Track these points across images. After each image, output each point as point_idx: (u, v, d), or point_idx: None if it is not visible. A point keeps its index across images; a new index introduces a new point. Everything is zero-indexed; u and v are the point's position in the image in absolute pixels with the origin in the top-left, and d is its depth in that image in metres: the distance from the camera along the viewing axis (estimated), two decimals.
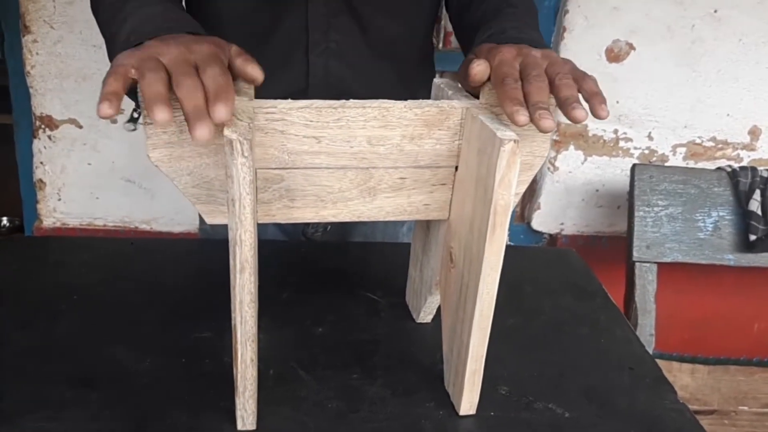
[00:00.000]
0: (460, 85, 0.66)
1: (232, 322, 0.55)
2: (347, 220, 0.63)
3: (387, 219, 0.64)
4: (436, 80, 0.67)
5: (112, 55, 0.59)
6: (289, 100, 0.57)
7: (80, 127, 1.60)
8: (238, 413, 0.59)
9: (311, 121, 0.57)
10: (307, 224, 1.00)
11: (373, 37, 0.87)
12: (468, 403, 0.63)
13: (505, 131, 0.53)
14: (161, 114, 0.47)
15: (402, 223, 1.02)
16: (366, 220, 0.63)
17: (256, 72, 0.56)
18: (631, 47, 1.55)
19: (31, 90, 1.57)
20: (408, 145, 0.60)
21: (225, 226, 0.53)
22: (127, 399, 0.63)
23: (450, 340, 0.65)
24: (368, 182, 0.62)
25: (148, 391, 0.65)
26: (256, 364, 0.58)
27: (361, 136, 0.59)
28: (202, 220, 1.09)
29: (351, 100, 0.58)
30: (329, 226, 1.00)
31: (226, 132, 0.49)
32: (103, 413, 0.61)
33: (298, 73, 0.86)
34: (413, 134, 0.60)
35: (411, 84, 0.92)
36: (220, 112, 0.48)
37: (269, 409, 0.63)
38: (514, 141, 0.52)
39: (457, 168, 0.63)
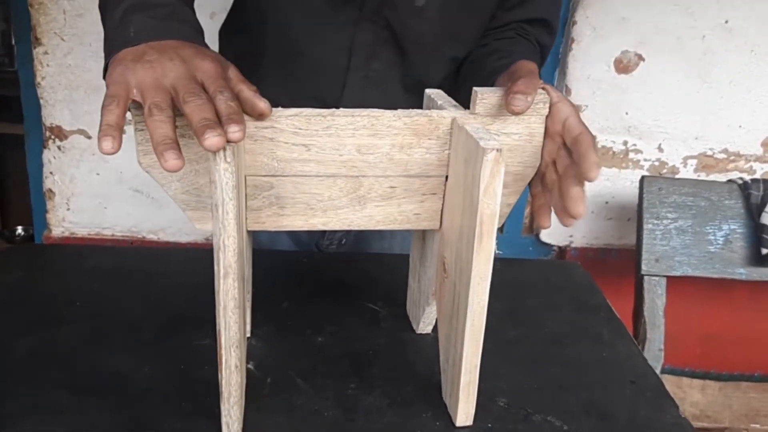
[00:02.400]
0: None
1: (217, 328, 0.55)
2: (337, 228, 0.63)
3: (377, 228, 0.64)
4: (428, 90, 0.67)
5: (108, 47, 0.59)
6: (279, 108, 0.57)
7: (89, 137, 1.61)
8: (223, 420, 0.58)
9: (300, 129, 0.57)
10: (322, 236, 1.00)
11: (410, 71, 0.86)
12: (464, 414, 0.62)
13: (489, 141, 0.53)
14: (174, 161, 0.48)
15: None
16: (356, 228, 0.63)
17: (264, 107, 0.56)
18: (641, 58, 1.55)
19: (41, 101, 1.58)
20: (397, 154, 0.60)
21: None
22: (124, 405, 0.63)
23: (446, 351, 0.65)
24: (358, 191, 0.61)
25: (145, 397, 0.65)
26: (241, 371, 0.57)
27: (350, 145, 0.59)
28: None
29: (340, 109, 0.58)
30: (344, 240, 1.00)
31: None
32: (100, 419, 0.61)
33: (332, 89, 0.85)
34: (402, 143, 0.60)
35: None
36: (236, 133, 0.49)
37: (264, 417, 0.62)
38: (497, 150, 0.51)
39: (447, 177, 0.63)
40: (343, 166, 0.60)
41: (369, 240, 1.02)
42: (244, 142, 0.56)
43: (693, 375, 1.69)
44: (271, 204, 0.60)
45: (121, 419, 0.61)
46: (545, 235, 1.73)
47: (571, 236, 1.73)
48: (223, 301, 0.53)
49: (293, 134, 0.57)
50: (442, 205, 0.64)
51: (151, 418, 0.62)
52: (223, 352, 0.55)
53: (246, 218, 0.61)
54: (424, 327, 0.77)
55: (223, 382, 0.56)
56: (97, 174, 1.66)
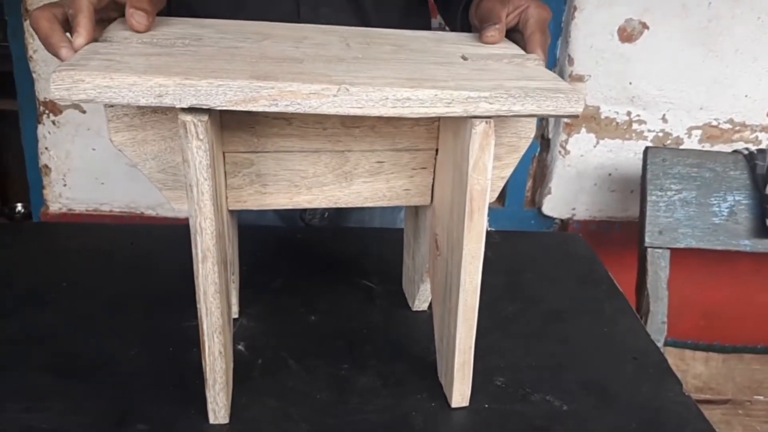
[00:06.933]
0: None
1: (198, 314, 0.53)
2: (324, 206, 0.61)
3: (365, 205, 0.62)
4: None
5: None
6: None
7: (84, 112, 1.59)
8: (210, 407, 0.57)
9: None
10: (305, 209, 0.97)
11: None
12: (460, 394, 0.61)
13: None
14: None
15: (400, 208, 1.00)
16: (343, 206, 0.61)
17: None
18: (645, 26, 1.51)
19: (34, 75, 1.55)
20: (384, 127, 0.58)
21: None
22: (109, 388, 0.62)
23: (440, 330, 0.63)
24: (344, 166, 0.59)
25: (132, 381, 0.63)
26: (226, 356, 0.56)
27: (334, 118, 0.56)
28: None
29: None
30: (327, 212, 0.98)
31: (181, 114, 0.46)
32: (85, 403, 0.60)
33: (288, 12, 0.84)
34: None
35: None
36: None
37: (253, 400, 0.61)
38: (486, 122, 0.49)
39: (437, 151, 0.60)
40: (328, 140, 0.57)
41: (350, 210, 1.00)
42: (221, 117, 0.54)
43: (696, 347, 1.68)
44: (252, 182, 0.58)
45: (107, 404, 0.60)
46: (547, 208, 1.71)
47: (573, 209, 1.71)
48: (202, 286, 0.51)
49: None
50: (433, 179, 0.61)
51: (137, 402, 0.60)
52: (205, 338, 0.53)
53: (226, 197, 0.58)
54: (420, 304, 0.75)
55: (207, 368, 0.55)
56: (93, 149, 1.63)
